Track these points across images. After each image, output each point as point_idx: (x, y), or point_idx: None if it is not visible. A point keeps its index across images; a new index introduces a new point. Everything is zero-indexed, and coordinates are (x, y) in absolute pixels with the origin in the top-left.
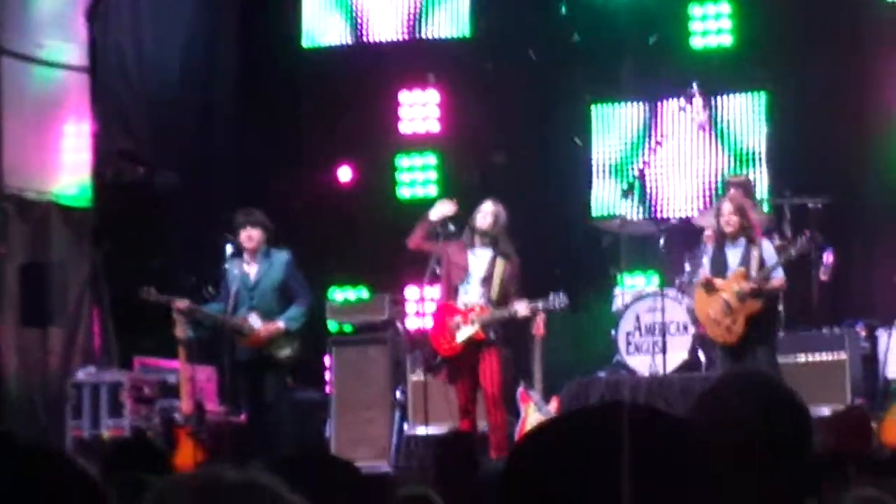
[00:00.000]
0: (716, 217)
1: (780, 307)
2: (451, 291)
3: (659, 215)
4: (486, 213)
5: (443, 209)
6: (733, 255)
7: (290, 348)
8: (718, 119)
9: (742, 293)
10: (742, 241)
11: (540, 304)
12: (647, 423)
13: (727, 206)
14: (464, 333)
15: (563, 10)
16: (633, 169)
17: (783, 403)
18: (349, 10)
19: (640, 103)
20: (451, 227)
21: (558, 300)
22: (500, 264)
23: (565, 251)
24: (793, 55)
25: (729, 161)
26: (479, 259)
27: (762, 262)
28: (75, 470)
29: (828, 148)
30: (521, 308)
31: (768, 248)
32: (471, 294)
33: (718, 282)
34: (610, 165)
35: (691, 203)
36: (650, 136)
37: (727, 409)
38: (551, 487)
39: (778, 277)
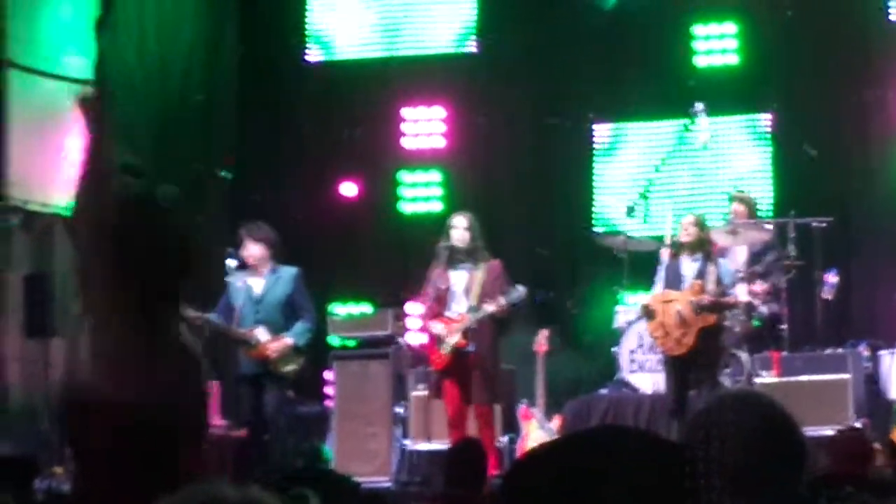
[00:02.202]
0: (676, 229)
1: (784, 327)
2: (439, 308)
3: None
4: (461, 230)
5: None
6: (689, 269)
7: (295, 364)
8: (723, 138)
9: (699, 305)
10: (699, 255)
11: (503, 300)
12: (644, 450)
13: (688, 218)
14: (448, 344)
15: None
16: (637, 187)
17: (780, 423)
18: (354, 25)
19: (644, 122)
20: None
21: (516, 293)
22: (480, 272)
23: (568, 267)
24: (798, 75)
25: (733, 180)
26: (461, 274)
27: (719, 279)
28: None
29: (832, 168)
30: (489, 306)
31: (725, 266)
32: (455, 309)
33: (674, 293)
34: (614, 183)
35: None
36: (655, 154)
37: (725, 429)
38: None
39: (735, 294)
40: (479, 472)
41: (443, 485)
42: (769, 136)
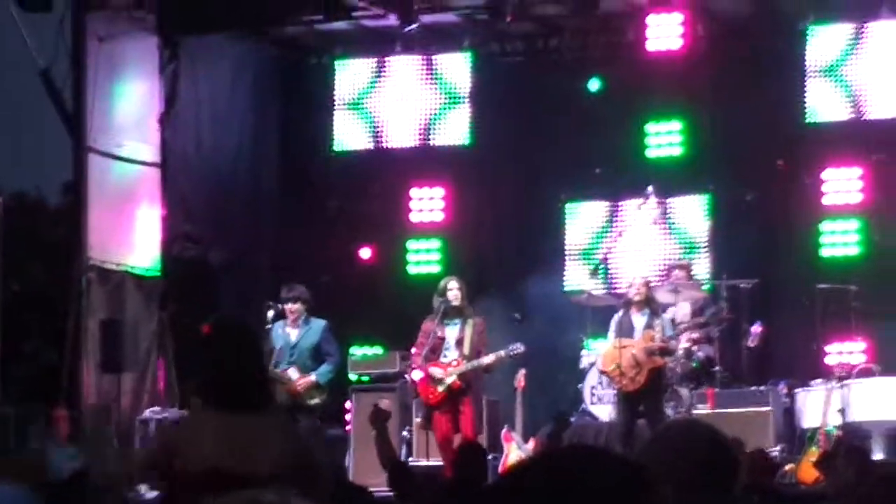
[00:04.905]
0: (627, 288)
1: (717, 368)
2: (432, 355)
3: (619, 291)
4: (455, 290)
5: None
6: (638, 322)
7: (319, 398)
8: (669, 215)
9: (652, 350)
10: (647, 310)
11: (502, 353)
12: (603, 465)
13: (638, 280)
14: (444, 384)
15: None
16: (598, 254)
17: (720, 445)
18: (371, 120)
19: (605, 202)
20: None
21: (515, 349)
22: (469, 327)
23: (544, 320)
24: (731, 164)
25: (676, 249)
26: (453, 328)
27: (663, 330)
28: None
29: (758, 239)
30: (487, 358)
31: (666, 319)
32: (449, 356)
33: (627, 341)
34: (580, 251)
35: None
36: (613, 228)
37: (676, 448)
38: None
39: (677, 342)
40: (482, 466)
41: (452, 481)
42: (707, 212)
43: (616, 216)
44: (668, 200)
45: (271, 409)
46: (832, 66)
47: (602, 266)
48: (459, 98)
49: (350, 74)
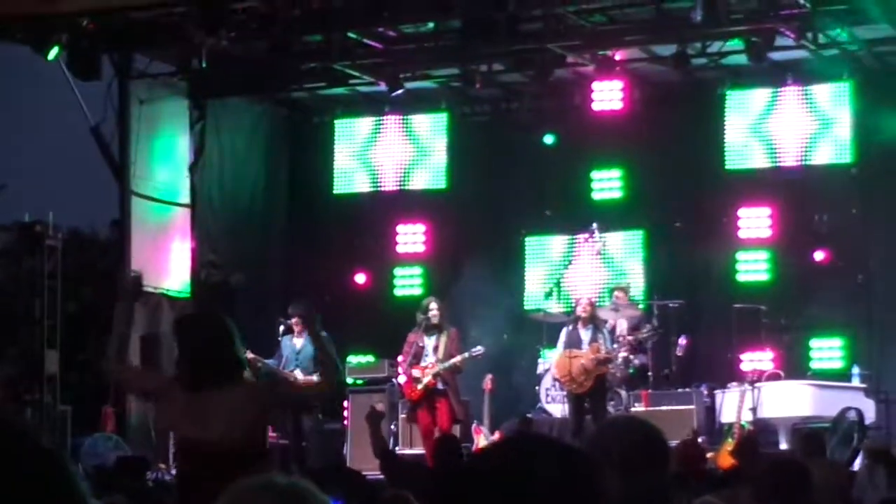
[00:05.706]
0: (575, 306)
1: (650, 374)
2: (414, 361)
3: (568, 310)
4: (435, 310)
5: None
6: (585, 335)
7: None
8: (610, 247)
9: (598, 360)
10: (592, 325)
11: (466, 354)
12: (554, 452)
13: (584, 300)
14: (421, 382)
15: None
16: (552, 279)
17: (654, 436)
18: (365, 169)
19: (558, 236)
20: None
21: (476, 350)
22: (444, 337)
23: (507, 333)
24: (662, 205)
25: (616, 275)
26: (432, 338)
27: (606, 342)
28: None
29: (685, 266)
30: (456, 359)
31: (608, 334)
32: (427, 361)
33: (577, 352)
34: (537, 277)
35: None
36: (563, 257)
37: (615, 440)
38: (487, 487)
39: (617, 352)
40: (457, 453)
41: (433, 465)
42: (642, 245)
43: (566, 248)
44: (609, 235)
45: (232, 386)
46: (755, 123)
47: (555, 289)
48: (437, 150)
49: (347, 131)
